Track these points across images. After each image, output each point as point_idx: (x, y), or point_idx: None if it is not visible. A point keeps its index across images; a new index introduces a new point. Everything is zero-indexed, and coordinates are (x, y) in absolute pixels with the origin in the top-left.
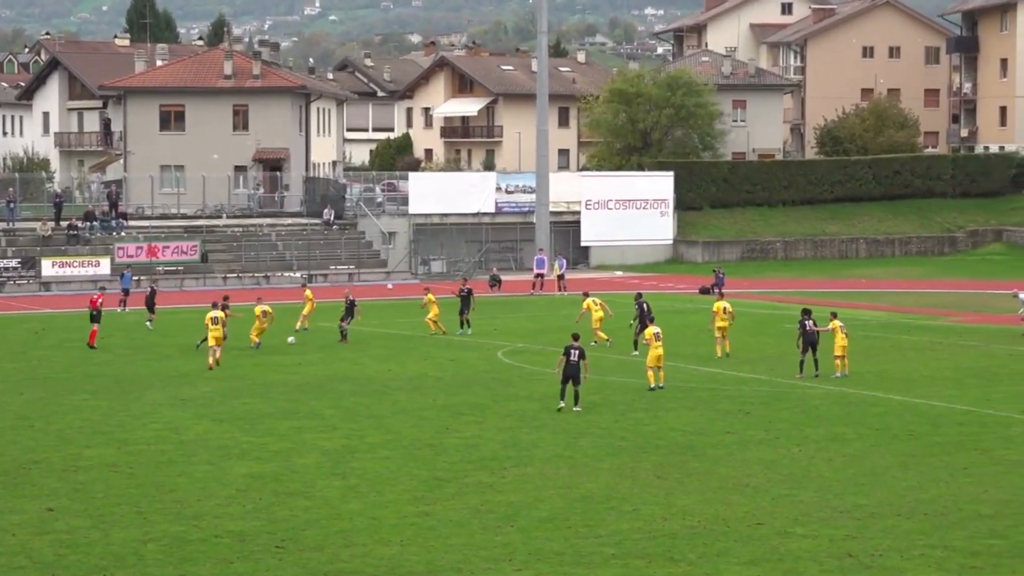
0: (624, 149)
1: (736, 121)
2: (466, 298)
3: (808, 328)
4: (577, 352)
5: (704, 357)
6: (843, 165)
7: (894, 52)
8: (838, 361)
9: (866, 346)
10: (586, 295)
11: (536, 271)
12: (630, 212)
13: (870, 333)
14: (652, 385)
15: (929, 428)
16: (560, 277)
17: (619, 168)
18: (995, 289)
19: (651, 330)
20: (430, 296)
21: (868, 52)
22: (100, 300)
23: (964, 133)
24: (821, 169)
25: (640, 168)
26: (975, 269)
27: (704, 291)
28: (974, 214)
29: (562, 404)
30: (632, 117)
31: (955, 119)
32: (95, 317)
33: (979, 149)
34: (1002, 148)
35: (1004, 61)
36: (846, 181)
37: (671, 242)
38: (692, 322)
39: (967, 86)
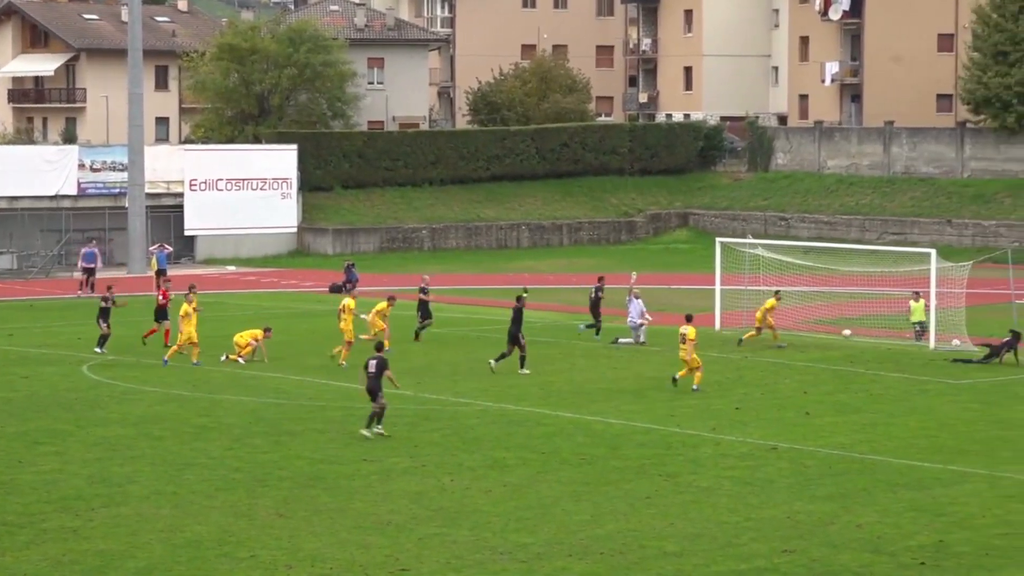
0: (237, 117)
1: (373, 83)
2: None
3: None
4: None
5: (335, 370)
6: (501, 136)
7: (559, 2)
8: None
9: (529, 353)
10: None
11: (83, 266)
12: (245, 194)
13: (535, 337)
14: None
15: (605, 451)
16: (159, 273)
17: (231, 140)
18: (682, 284)
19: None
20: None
21: (529, 1)
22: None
23: (643, 98)
24: (475, 141)
25: (256, 140)
26: (658, 259)
27: (335, 289)
28: (656, 195)
29: None
30: (246, 78)
31: (632, 82)
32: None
33: (661, 117)
34: (687, 116)
35: (688, 13)
36: (505, 156)
37: (295, 230)
38: (320, 327)
39: (646, 42)
